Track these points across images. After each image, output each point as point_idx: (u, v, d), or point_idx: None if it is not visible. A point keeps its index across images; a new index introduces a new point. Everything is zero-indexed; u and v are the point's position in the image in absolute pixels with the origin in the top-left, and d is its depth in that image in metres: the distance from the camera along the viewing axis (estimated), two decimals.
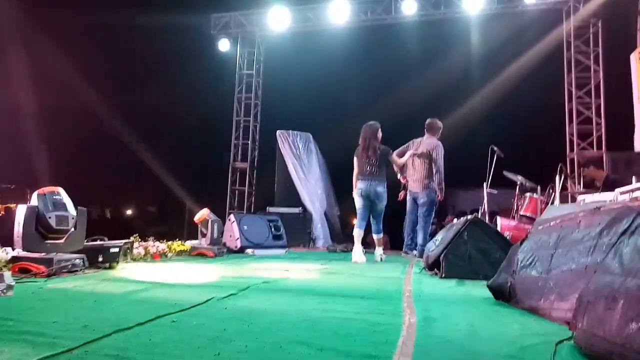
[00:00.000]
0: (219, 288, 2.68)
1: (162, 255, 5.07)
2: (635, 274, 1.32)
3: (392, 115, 7.20)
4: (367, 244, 6.02)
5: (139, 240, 5.05)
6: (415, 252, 6.88)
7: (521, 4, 9.17)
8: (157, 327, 1.69)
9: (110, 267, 3.70)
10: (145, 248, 4.91)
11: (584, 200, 4.25)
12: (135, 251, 4.71)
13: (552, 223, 2.33)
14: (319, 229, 8.81)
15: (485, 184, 6.20)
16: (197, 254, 5.47)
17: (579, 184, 7.79)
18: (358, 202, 5.44)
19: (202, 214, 5.84)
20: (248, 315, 1.91)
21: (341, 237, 9.28)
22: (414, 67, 9.81)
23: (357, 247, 5.34)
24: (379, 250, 5.53)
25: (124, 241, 4.05)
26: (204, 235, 5.78)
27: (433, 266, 3.83)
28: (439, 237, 4.31)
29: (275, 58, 11.15)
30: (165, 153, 10.67)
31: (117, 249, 3.81)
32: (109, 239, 4.14)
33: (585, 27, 9.34)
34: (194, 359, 1.33)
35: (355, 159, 5.51)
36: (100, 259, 3.68)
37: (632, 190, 3.50)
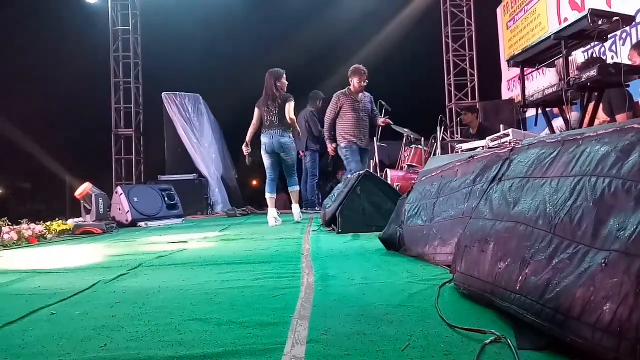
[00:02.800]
0: (106, 269, 2.49)
1: (40, 238, 4.59)
2: (503, 217, 1.45)
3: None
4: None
5: (9, 223, 4.50)
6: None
7: None
8: (33, 323, 1.51)
9: None
10: (18, 232, 4.39)
11: (460, 148, 4.61)
12: (5, 236, 4.20)
13: (433, 173, 2.49)
14: (217, 193, 8.58)
15: (375, 138, 6.45)
16: (83, 232, 5.04)
17: (457, 133, 8.47)
18: (265, 160, 5.17)
19: (84, 188, 5.36)
20: (140, 297, 1.80)
21: (240, 199, 9.18)
22: (300, 23, 9.67)
23: (271, 211, 5.08)
24: (296, 208, 5.28)
25: None
26: (88, 212, 5.34)
27: (330, 222, 3.96)
28: (335, 192, 4.44)
29: (154, 13, 10.21)
30: (34, 122, 9.44)
31: None
32: None
33: None
34: (76, 354, 1.21)
35: (255, 109, 5.16)
36: None
37: (500, 137, 3.87)
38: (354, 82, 5.74)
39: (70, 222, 5.22)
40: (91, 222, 5.21)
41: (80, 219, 5.47)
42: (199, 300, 1.69)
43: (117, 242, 4.15)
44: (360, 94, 5.83)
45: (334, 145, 5.91)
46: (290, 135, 5.09)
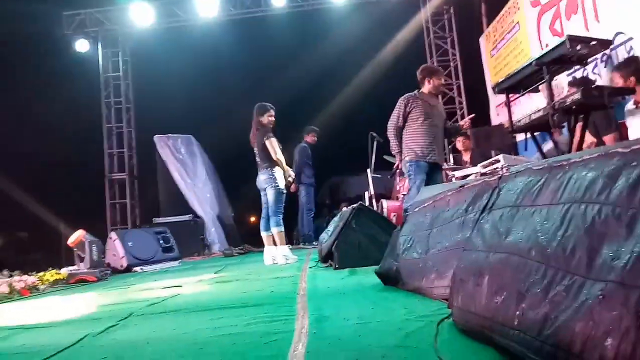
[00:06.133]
0: (95, 321, 2.41)
1: (32, 290, 4.47)
2: (496, 248, 1.41)
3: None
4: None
5: (1, 276, 4.41)
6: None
7: None
8: None
9: None
10: (10, 285, 4.29)
11: (454, 175, 4.61)
12: None
13: (426, 204, 2.46)
14: (213, 233, 8.51)
15: (369, 169, 6.47)
16: (77, 281, 4.94)
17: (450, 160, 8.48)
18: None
19: (77, 235, 5.29)
20: (128, 350, 1.73)
21: (238, 238, 9.09)
22: (290, 59, 9.90)
23: (266, 250, 4.91)
24: (268, 251, 4.88)
25: None
26: (82, 260, 5.25)
27: (327, 258, 3.89)
28: (330, 227, 4.39)
29: (143, 58, 10.44)
30: (28, 170, 9.44)
31: None
32: None
33: (440, 13, 10.21)
34: None
35: None
36: None
37: (492, 163, 3.87)
38: (434, 82, 4.60)
39: (64, 271, 5.12)
40: (85, 270, 5.12)
41: (75, 267, 5.37)
42: (188, 352, 1.62)
43: (110, 290, 4.06)
44: (434, 99, 4.75)
45: (400, 159, 4.69)
46: (271, 171, 4.81)
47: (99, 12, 9.93)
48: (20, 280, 4.42)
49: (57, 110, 9.08)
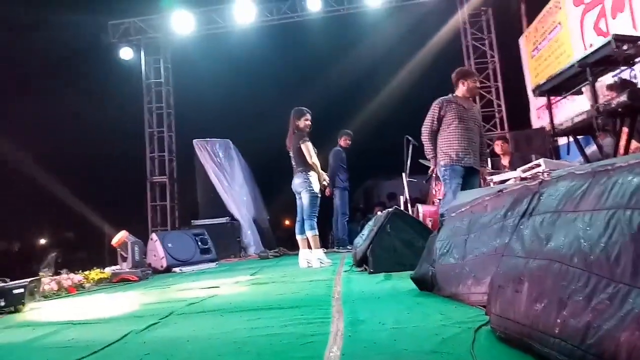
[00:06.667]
0: (138, 319, 2.50)
1: (78, 287, 4.69)
2: (536, 255, 1.38)
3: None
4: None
5: (50, 274, 4.64)
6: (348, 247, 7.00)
7: None
8: None
9: (16, 311, 3.34)
10: (58, 282, 4.51)
11: (492, 180, 4.51)
12: (46, 287, 4.31)
13: (463, 209, 2.42)
14: (249, 236, 8.64)
15: (404, 173, 6.41)
16: (120, 280, 5.13)
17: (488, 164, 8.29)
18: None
19: (120, 236, 5.51)
20: (169, 348, 1.79)
21: (273, 241, 9.19)
22: (326, 63, 9.96)
23: (301, 253, 4.94)
24: (303, 254, 4.90)
25: (29, 279, 3.67)
26: (124, 259, 5.45)
27: (361, 262, 3.88)
28: (365, 231, 4.38)
29: (184, 64, 10.78)
30: (74, 175, 9.90)
31: (21, 290, 3.44)
32: (21, 275, 3.75)
33: (478, 15, 10.01)
34: None
35: None
36: (2, 303, 3.31)
37: (532, 168, 3.77)
38: (468, 84, 4.50)
39: (108, 271, 5.34)
40: (128, 270, 5.31)
41: (118, 266, 5.58)
42: (227, 351, 1.66)
43: (151, 289, 4.19)
44: (469, 102, 4.62)
45: (435, 163, 4.58)
46: (306, 175, 4.82)
47: (142, 21, 10.32)
48: (68, 279, 4.63)
49: (102, 115, 9.51)
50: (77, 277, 4.79)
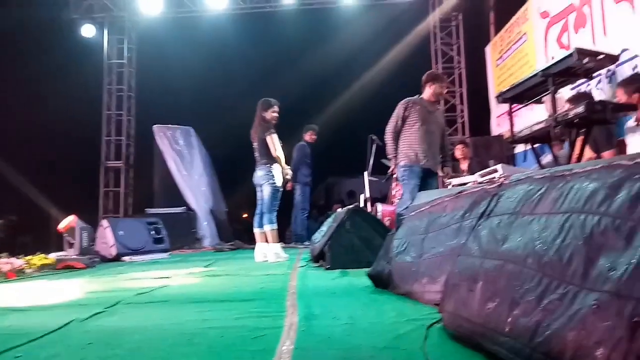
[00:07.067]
0: (82, 307, 2.38)
1: (19, 273, 4.43)
2: (491, 255, 1.40)
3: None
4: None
5: None
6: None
7: None
8: None
9: None
10: None
11: (450, 183, 4.59)
12: None
13: (422, 209, 2.45)
14: (205, 227, 8.46)
15: (366, 172, 6.45)
16: (64, 267, 4.89)
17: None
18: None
19: (68, 221, 5.27)
20: (115, 337, 1.70)
21: (229, 234, 9.05)
22: (294, 57, 9.90)
23: (257, 246, 4.84)
24: (260, 247, 4.81)
25: None
26: (71, 245, 5.22)
27: (318, 258, 3.88)
28: (324, 227, 4.38)
29: (149, 46, 10.41)
30: (22, 153, 9.38)
31: None
32: None
33: (448, 20, 10.21)
34: None
35: None
36: None
37: (489, 173, 3.86)
38: (434, 88, 4.56)
39: (53, 257, 5.08)
40: (74, 257, 5.08)
41: (64, 252, 5.33)
42: (176, 342, 1.60)
43: (98, 277, 4.02)
44: (434, 105, 4.72)
45: (395, 163, 4.65)
46: (269, 168, 4.74)
47: None
48: (7, 263, 4.37)
49: (58, 93, 9.04)
50: (18, 262, 4.53)
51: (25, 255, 4.87)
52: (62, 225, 5.30)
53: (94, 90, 10.01)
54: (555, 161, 3.24)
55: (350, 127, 9.75)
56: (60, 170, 9.67)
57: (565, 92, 4.21)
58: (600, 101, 2.71)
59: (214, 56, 9.93)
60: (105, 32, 10.14)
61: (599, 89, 4.91)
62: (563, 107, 2.99)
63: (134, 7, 9.80)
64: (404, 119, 4.52)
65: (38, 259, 4.78)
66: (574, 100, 3.56)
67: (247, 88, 9.58)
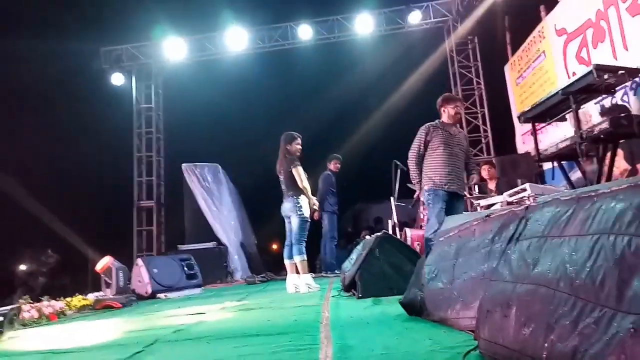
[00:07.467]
0: (122, 347, 2.44)
1: (60, 315, 4.56)
2: (523, 279, 1.39)
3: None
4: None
5: (30, 302, 4.51)
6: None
7: (407, 24, 9.89)
8: None
9: None
10: (39, 310, 4.39)
11: (479, 204, 4.54)
12: (26, 315, 4.18)
13: (451, 234, 2.44)
14: (236, 260, 8.54)
15: (392, 197, 6.44)
16: (103, 307, 5.00)
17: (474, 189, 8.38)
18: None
19: (104, 262, 5.41)
20: None
21: (260, 266, 9.09)
22: (316, 89, 10.12)
23: (288, 277, 4.90)
24: (291, 279, 4.86)
25: (8, 307, 3.57)
26: (108, 286, 5.34)
27: (350, 287, 3.85)
28: (353, 255, 4.35)
29: (175, 89, 10.85)
30: (58, 198, 9.77)
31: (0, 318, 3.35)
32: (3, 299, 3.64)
33: (465, 43, 10.29)
34: None
35: None
36: None
37: (518, 192, 3.82)
38: (448, 110, 4.59)
39: (91, 297, 5.22)
40: (111, 296, 5.20)
41: (101, 293, 5.46)
42: None
43: (135, 316, 4.10)
44: (454, 128, 4.70)
45: (420, 188, 4.63)
46: (296, 199, 4.81)
47: (135, 48, 10.42)
48: (49, 306, 4.51)
49: (91, 140, 9.46)
50: (59, 304, 4.67)
51: (65, 298, 5.01)
52: (99, 266, 5.45)
53: (124, 134, 10.43)
54: (585, 177, 3.18)
55: (374, 153, 9.81)
56: (95, 212, 10.01)
57: (590, 107, 4.16)
58: (626, 115, 2.67)
59: (237, 94, 10.26)
60: (134, 78, 10.62)
61: (625, 101, 4.83)
62: (588, 122, 2.95)
63: (159, 54, 10.27)
64: (427, 144, 4.53)
65: (77, 301, 4.92)
66: (608, 113, 3.51)
67: (271, 122, 9.82)
